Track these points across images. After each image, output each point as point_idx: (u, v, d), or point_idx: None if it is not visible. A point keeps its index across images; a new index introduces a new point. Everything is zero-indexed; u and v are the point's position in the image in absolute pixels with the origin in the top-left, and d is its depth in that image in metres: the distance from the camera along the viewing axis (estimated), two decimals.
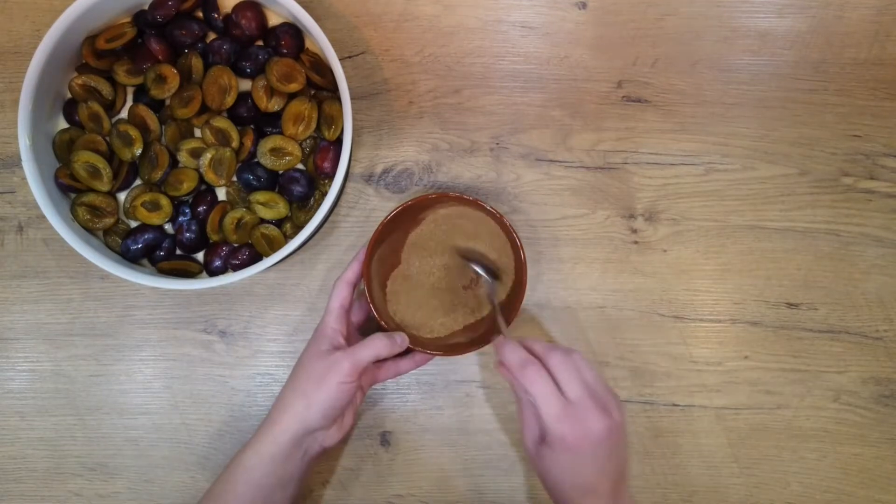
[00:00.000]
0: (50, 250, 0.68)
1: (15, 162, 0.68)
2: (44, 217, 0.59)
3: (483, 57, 0.68)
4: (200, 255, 0.65)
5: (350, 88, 0.60)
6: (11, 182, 0.68)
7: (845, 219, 0.68)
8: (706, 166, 0.68)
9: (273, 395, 0.68)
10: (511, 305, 0.62)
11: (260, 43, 0.64)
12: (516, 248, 0.62)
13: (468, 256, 0.64)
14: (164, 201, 0.63)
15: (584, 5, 0.68)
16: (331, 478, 0.68)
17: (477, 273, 0.63)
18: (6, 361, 0.68)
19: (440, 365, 0.68)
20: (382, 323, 0.61)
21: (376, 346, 0.57)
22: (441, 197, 0.62)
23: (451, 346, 0.63)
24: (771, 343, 0.68)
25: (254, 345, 0.68)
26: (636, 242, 0.68)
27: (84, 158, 0.61)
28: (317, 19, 0.60)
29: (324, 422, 0.57)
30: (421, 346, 0.61)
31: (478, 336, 0.63)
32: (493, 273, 0.63)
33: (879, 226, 0.68)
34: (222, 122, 0.62)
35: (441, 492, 0.68)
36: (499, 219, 0.61)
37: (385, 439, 0.68)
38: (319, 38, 0.59)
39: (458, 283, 0.65)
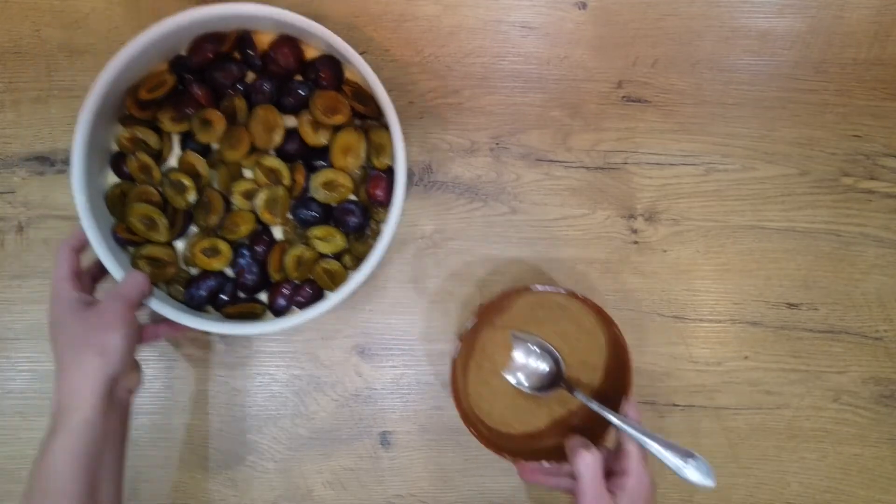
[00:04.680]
0: (50, 250, 0.68)
1: (15, 162, 0.68)
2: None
3: (483, 57, 0.68)
4: (262, 295, 0.64)
5: None
6: (11, 182, 0.68)
7: (845, 219, 0.68)
8: (706, 166, 0.68)
9: (273, 395, 0.68)
10: (616, 395, 0.60)
11: (299, 77, 0.63)
12: (614, 333, 0.60)
13: (572, 387, 0.62)
14: (223, 246, 0.62)
15: (584, 5, 0.68)
16: (331, 478, 0.68)
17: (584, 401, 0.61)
18: (6, 361, 0.68)
19: (440, 365, 0.68)
20: (468, 423, 0.61)
21: (135, 278, 0.57)
22: (523, 289, 0.60)
23: (535, 451, 0.61)
24: (771, 343, 0.68)
25: (254, 345, 0.68)
26: (636, 242, 0.68)
27: (140, 211, 0.60)
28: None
29: (124, 365, 0.54)
30: (508, 448, 0.61)
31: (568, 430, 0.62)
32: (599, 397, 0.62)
33: (879, 226, 0.68)
34: (272, 162, 0.62)
35: (441, 492, 0.68)
36: (594, 306, 0.60)
37: (385, 439, 0.68)
38: (362, 67, 0.57)
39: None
